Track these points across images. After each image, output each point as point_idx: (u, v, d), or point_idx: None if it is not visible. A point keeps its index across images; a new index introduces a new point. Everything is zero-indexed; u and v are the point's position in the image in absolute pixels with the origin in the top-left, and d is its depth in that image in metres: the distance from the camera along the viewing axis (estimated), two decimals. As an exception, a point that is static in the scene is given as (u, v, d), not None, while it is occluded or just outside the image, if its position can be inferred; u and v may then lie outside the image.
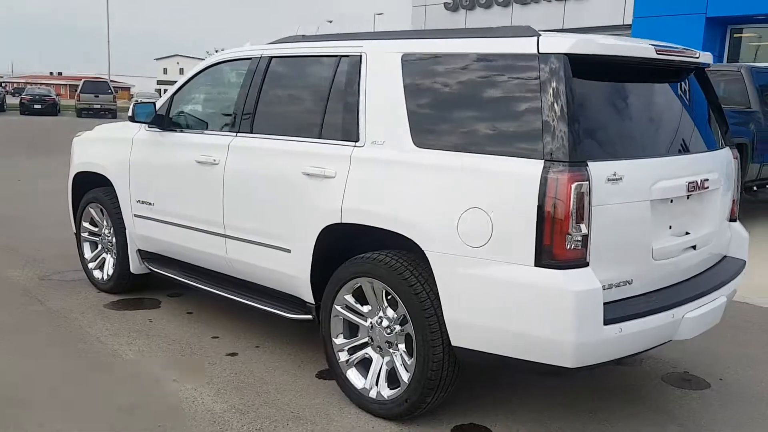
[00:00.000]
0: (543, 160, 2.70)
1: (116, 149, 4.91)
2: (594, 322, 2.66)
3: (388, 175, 3.20)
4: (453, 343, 3.01)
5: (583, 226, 2.66)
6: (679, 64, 3.33)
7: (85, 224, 5.37)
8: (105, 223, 5.20)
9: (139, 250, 4.95)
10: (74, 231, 5.59)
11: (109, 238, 5.18)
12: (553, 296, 2.66)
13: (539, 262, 2.68)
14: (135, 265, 4.98)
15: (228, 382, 3.72)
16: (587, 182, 2.65)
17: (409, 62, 3.29)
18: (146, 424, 3.27)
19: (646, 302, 2.89)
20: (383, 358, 3.36)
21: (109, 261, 5.24)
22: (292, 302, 3.88)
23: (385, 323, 3.32)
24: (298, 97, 3.88)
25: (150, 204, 4.64)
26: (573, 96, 2.73)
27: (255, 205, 3.87)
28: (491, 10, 19.06)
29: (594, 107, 2.87)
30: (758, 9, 13.25)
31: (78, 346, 4.20)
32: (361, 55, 3.52)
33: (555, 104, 2.72)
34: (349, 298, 3.44)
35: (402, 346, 3.27)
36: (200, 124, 4.50)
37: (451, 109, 3.09)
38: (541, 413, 3.43)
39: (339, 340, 3.52)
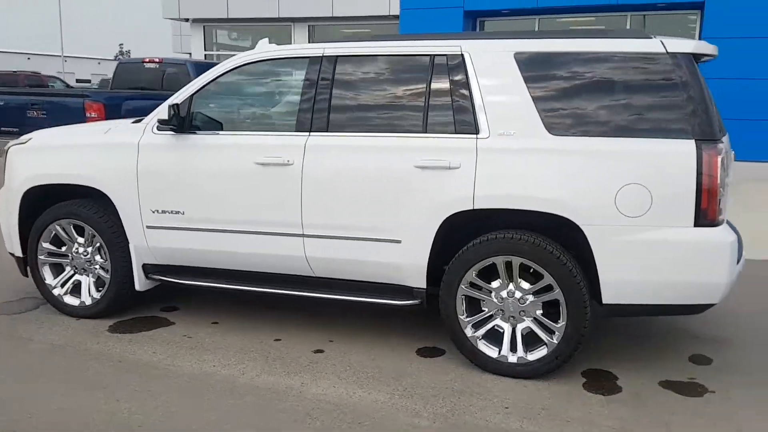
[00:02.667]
0: (694, 140, 3.37)
1: (113, 156, 4.39)
2: (734, 265, 3.45)
3: (529, 162, 3.59)
4: (605, 301, 3.57)
5: (722, 191, 3.41)
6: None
7: (45, 245, 4.68)
8: (81, 241, 4.60)
9: (144, 265, 4.52)
10: (16, 255, 4.81)
11: (88, 256, 4.61)
12: (712, 248, 3.38)
13: (697, 223, 3.37)
14: (141, 282, 4.53)
15: (353, 378, 3.78)
16: (723, 155, 3.40)
17: (525, 60, 3.69)
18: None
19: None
20: (517, 325, 3.77)
21: (87, 283, 4.67)
22: (389, 290, 4.04)
23: (518, 295, 3.73)
24: (386, 95, 3.97)
25: (178, 213, 4.29)
26: (702, 86, 3.45)
27: (349, 202, 3.92)
28: (258, -2, 19.05)
29: (708, 95, 3.60)
30: (503, 5, 15.43)
31: (162, 375, 3.82)
32: (462, 55, 3.81)
33: (693, 93, 3.41)
34: (474, 277, 3.76)
35: (539, 312, 3.72)
36: (242, 125, 4.30)
37: (583, 101, 3.59)
38: (650, 356, 4.15)
39: (464, 317, 3.82)
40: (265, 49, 4.32)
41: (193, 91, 4.32)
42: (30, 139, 4.74)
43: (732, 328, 4.57)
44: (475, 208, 3.68)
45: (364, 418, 3.31)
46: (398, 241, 3.87)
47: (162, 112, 4.21)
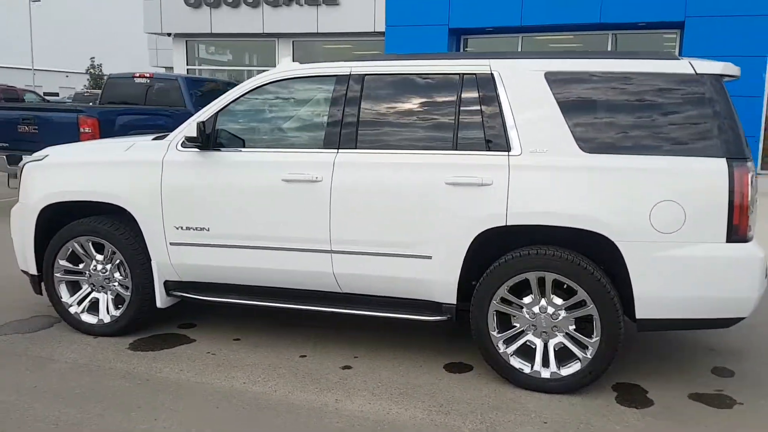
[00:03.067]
0: (725, 158, 3.47)
1: (137, 173, 4.37)
2: (764, 279, 3.54)
3: (563, 179, 3.65)
4: (638, 316, 3.63)
5: (752, 207, 3.50)
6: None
7: (62, 263, 4.62)
8: (100, 258, 4.56)
9: (166, 282, 4.48)
10: (30, 273, 4.73)
11: (106, 274, 4.56)
12: (744, 263, 3.47)
13: (729, 239, 3.46)
14: (162, 299, 4.49)
15: (386, 394, 3.78)
16: (752, 173, 3.50)
17: (556, 79, 3.76)
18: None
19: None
20: (549, 341, 3.81)
21: (105, 300, 4.61)
22: (417, 306, 4.07)
23: (550, 310, 3.77)
24: (414, 113, 4.01)
25: (203, 229, 4.27)
26: (730, 105, 3.55)
27: (379, 218, 3.94)
28: (239, 10, 19.05)
29: (736, 114, 3.70)
30: (488, 23, 15.67)
31: (197, 394, 3.77)
32: (492, 74, 3.88)
33: (722, 114, 3.51)
34: (506, 293, 3.80)
35: (572, 327, 3.77)
36: (268, 143, 4.31)
37: (615, 119, 3.67)
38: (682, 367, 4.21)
39: (495, 333, 3.85)
40: (289, 67, 4.34)
41: (218, 109, 4.32)
42: (46, 155, 4.68)
43: (747, 340, 4.67)
44: (508, 224, 3.72)
45: (406, 435, 3.32)
46: (429, 257, 3.90)
47: (190, 129, 4.19)
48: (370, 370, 4.10)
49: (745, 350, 4.51)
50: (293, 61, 4.68)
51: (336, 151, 4.07)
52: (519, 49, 16.50)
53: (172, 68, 22.16)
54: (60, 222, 4.67)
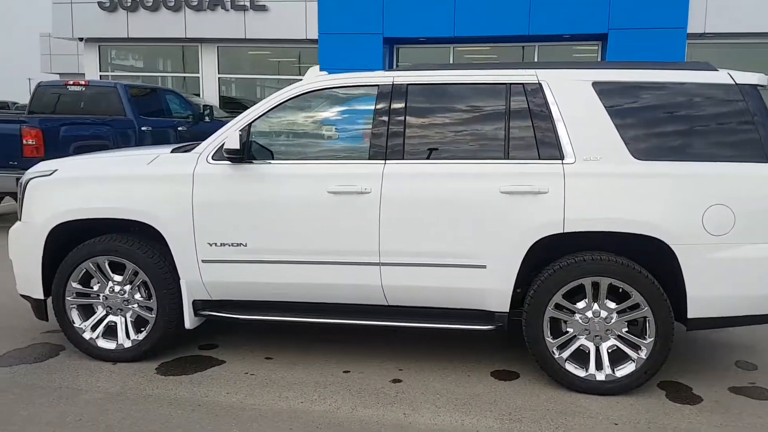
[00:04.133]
0: (768, 163, 3.70)
1: (165, 188, 4.14)
2: None
3: (618, 185, 3.77)
4: (691, 316, 3.79)
5: (795, 208, 3.74)
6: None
7: (74, 285, 4.30)
8: (118, 279, 4.29)
9: (195, 301, 4.27)
10: (35, 297, 4.38)
11: (125, 295, 4.29)
12: None
13: (776, 239, 3.68)
14: (191, 319, 4.27)
15: (451, 405, 3.76)
16: None
17: (603, 89, 3.88)
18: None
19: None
20: (602, 343, 3.91)
21: (122, 324, 4.33)
22: (466, 316, 4.08)
23: (603, 314, 3.88)
24: (461, 122, 4.02)
25: (240, 245, 4.10)
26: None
27: (431, 229, 3.92)
28: (159, 14, 18.34)
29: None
30: (421, 33, 15.88)
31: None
32: (540, 83, 3.95)
33: (762, 120, 3.73)
34: (561, 299, 3.88)
35: (624, 330, 3.88)
36: (308, 154, 4.19)
37: (662, 127, 3.82)
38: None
39: (551, 339, 3.92)
40: (325, 77, 4.26)
41: (252, 120, 4.18)
42: (55, 170, 4.34)
43: (753, 335, 4.97)
44: (565, 231, 3.79)
45: (493, 445, 3.32)
46: (483, 266, 3.91)
47: (229, 141, 4.00)
48: (421, 382, 4.06)
49: (757, 344, 4.79)
50: (320, 71, 4.56)
51: (383, 162, 4.01)
52: (450, 60, 16.85)
53: (81, 74, 21.02)
54: (68, 242, 4.34)
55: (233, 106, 18.02)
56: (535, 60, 16.35)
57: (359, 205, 3.99)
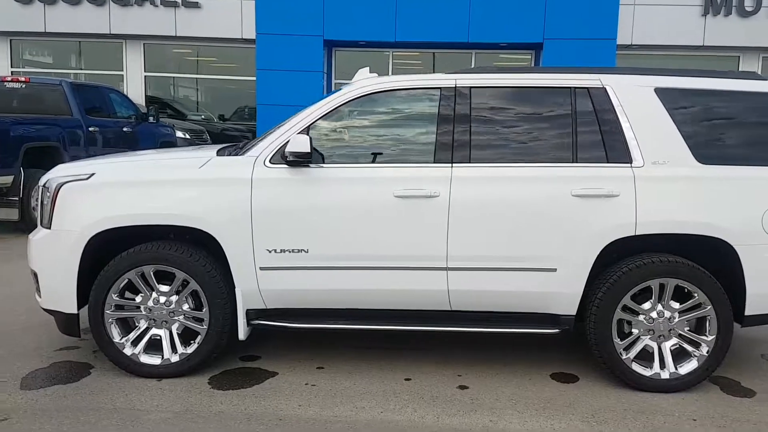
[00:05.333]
0: (821, 166, 3.93)
1: (221, 193, 3.91)
2: None
3: (685, 188, 3.89)
4: (748, 313, 3.97)
5: None
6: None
7: (115, 297, 3.98)
8: (164, 289, 4.02)
9: (248, 311, 4.05)
10: (66, 312, 4.02)
11: (171, 307, 4.02)
12: None
13: (831, 237, 3.91)
14: (244, 330, 4.05)
15: (531, 410, 3.76)
16: None
17: (665, 95, 4.00)
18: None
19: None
20: (665, 342, 4.03)
21: (168, 336, 4.05)
22: (529, 319, 4.09)
23: (667, 314, 3.99)
24: (527, 126, 4.03)
25: (301, 251, 3.92)
26: None
27: (501, 232, 3.91)
28: (80, 8, 17.30)
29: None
30: (362, 37, 15.87)
31: None
32: (605, 88, 4.02)
33: None
34: (629, 300, 3.96)
35: (686, 329, 4.02)
36: (370, 158, 4.10)
37: (721, 133, 3.99)
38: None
39: (618, 340, 3.99)
40: (370, 79, 4.19)
41: (311, 122, 4.02)
42: (92, 174, 3.99)
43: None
44: (637, 234, 3.88)
45: (597, 447, 3.33)
46: (553, 270, 3.93)
47: (295, 144, 3.81)
48: (487, 387, 4.03)
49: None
50: (370, 72, 4.45)
51: (450, 165, 3.96)
52: (390, 65, 16.92)
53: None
54: (101, 252, 4.01)
55: (161, 106, 17.25)
56: (472, 66, 16.70)
57: (427, 209, 3.92)
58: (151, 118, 11.94)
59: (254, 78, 16.24)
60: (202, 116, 18.47)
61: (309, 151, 3.80)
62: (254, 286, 3.97)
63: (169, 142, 12.82)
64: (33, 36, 18.25)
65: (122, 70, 18.33)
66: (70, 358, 4.31)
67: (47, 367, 4.17)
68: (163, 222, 3.90)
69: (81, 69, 18.69)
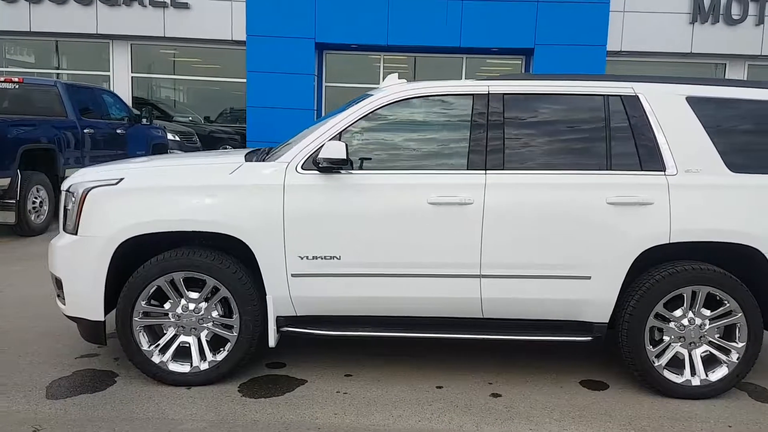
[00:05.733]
0: None
1: (253, 199, 3.85)
2: None
3: (718, 197, 3.91)
4: (779, 318, 4.00)
5: None
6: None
7: (144, 305, 3.90)
8: (194, 296, 3.95)
9: (278, 318, 4.00)
10: (93, 319, 3.93)
11: (200, 313, 3.95)
12: None
13: None
14: (274, 337, 3.99)
15: (570, 418, 3.75)
16: None
17: (697, 103, 4.02)
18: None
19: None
20: (697, 350, 4.04)
21: (197, 344, 3.98)
22: (561, 327, 4.08)
23: (698, 321, 4.01)
24: (560, 133, 4.01)
25: (333, 258, 3.88)
26: None
27: (535, 240, 3.89)
28: (67, 7, 17.01)
29: None
30: (354, 40, 15.83)
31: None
32: (637, 95, 4.04)
33: None
34: (662, 308, 3.97)
35: (717, 336, 4.04)
36: (403, 164, 4.03)
37: (752, 141, 4.02)
38: None
39: (650, 348, 4.00)
40: (400, 84, 4.17)
41: (343, 128, 3.99)
42: (122, 179, 3.91)
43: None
44: (671, 242, 3.89)
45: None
46: (588, 278, 3.93)
47: (331, 150, 3.76)
48: (520, 395, 4.01)
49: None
50: (399, 78, 4.42)
51: (484, 172, 3.94)
52: (381, 67, 16.89)
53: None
54: (126, 259, 3.93)
55: (148, 107, 17.04)
56: (463, 71, 16.74)
57: (461, 216, 3.89)
58: (144, 120, 11.77)
59: (242, 80, 16.13)
60: (189, 118, 18.29)
61: (345, 157, 3.75)
62: (285, 293, 3.92)
63: (161, 145, 12.66)
64: (18, 35, 17.94)
65: (109, 71, 18.07)
66: (92, 366, 4.22)
67: (70, 376, 4.07)
68: (195, 228, 3.83)
69: (66, 69, 18.40)
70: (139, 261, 3.94)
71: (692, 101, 4.04)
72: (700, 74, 16.36)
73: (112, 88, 17.69)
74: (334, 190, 3.90)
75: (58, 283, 4.01)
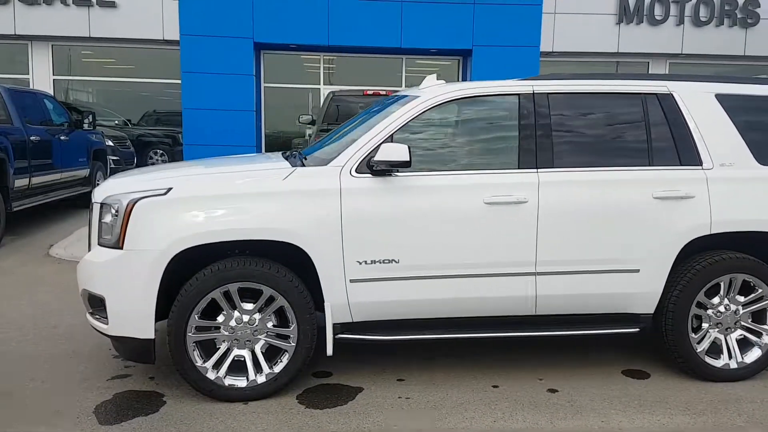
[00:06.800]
0: None
1: (310, 204, 3.75)
2: None
3: (751, 189, 4.12)
4: (802, 305, 4.27)
5: None
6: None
7: (198, 319, 3.72)
8: (249, 307, 3.80)
9: (335, 325, 3.91)
10: (142, 337, 3.71)
11: (255, 325, 3.81)
12: None
13: None
14: (331, 345, 3.89)
15: (635, 409, 3.84)
16: None
17: (726, 100, 4.23)
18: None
19: None
20: (733, 334, 4.25)
21: (251, 356, 3.83)
22: (609, 320, 4.20)
23: (733, 307, 4.22)
24: (604, 130, 4.11)
25: (392, 261, 3.83)
26: None
27: (588, 236, 3.98)
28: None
29: None
30: (293, 40, 15.62)
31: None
32: (671, 93, 4.20)
33: None
34: (703, 296, 4.15)
35: (750, 320, 4.26)
36: (455, 165, 4.03)
37: (778, 135, 4.27)
38: None
39: (693, 335, 4.17)
40: (446, 85, 4.17)
41: (393, 131, 3.95)
42: (170, 188, 3.70)
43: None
44: (712, 233, 4.07)
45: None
46: (636, 270, 4.05)
47: (394, 152, 3.69)
48: (575, 388, 4.09)
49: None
50: (437, 78, 4.40)
51: (535, 170, 3.99)
52: (321, 69, 16.75)
53: None
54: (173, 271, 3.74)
55: (75, 112, 16.17)
56: (403, 72, 16.85)
57: (516, 215, 3.93)
58: (86, 125, 11.16)
59: (175, 80, 15.57)
60: (116, 122, 17.52)
61: (408, 159, 3.70)
62: (343, 300, 3.83)
63: (101, 151, 12.07)
64: None
65: (28, 74, 17.02)
66: (130, 387, 3.97)
67: (111, 399, 3.82)
68: (253, 237, 3.68)
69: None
70: (180, 275, 3.74)
71: (721, 98, 4.23)
72: (626, 72, 17.16)
73: (32, 92, 16.66)
74: (389, 192, 3.84)
75: (97, 302, 3.75)
